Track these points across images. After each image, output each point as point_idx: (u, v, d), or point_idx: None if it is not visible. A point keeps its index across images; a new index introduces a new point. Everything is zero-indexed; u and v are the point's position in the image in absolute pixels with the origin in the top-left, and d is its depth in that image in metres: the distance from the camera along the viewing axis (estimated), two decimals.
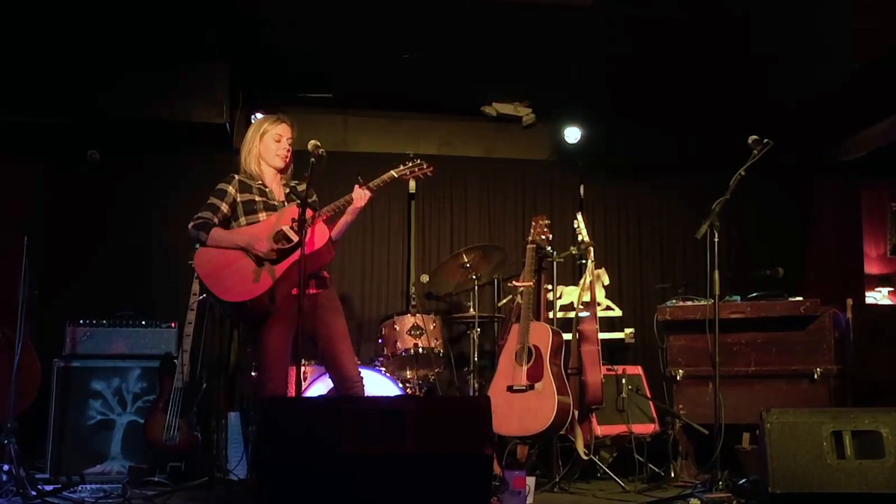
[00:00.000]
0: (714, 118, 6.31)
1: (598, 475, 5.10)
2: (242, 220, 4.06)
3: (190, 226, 4.06)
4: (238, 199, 4.07)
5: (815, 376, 5.02)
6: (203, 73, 5.69)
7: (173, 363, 5.15)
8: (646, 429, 5.35)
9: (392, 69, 5.93)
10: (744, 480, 4.36)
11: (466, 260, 5.57)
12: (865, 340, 5.43)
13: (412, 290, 6.29)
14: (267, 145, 4.15)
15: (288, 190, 4.16)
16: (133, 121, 5.76)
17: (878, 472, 3.70)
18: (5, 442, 4.30)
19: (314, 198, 4.17)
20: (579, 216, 5.45)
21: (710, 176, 5.12)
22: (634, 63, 5.76)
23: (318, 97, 6.33)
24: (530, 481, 4.24)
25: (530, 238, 5.14)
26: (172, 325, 5.48)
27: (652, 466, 5.06)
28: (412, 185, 6.58)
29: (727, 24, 5.17)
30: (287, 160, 4.18)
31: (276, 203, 4.09)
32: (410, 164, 4.19)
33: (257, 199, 4.08)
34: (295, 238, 3.90)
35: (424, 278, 5.96)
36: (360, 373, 4.12)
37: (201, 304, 5.22)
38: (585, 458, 4.92)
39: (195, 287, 5.21)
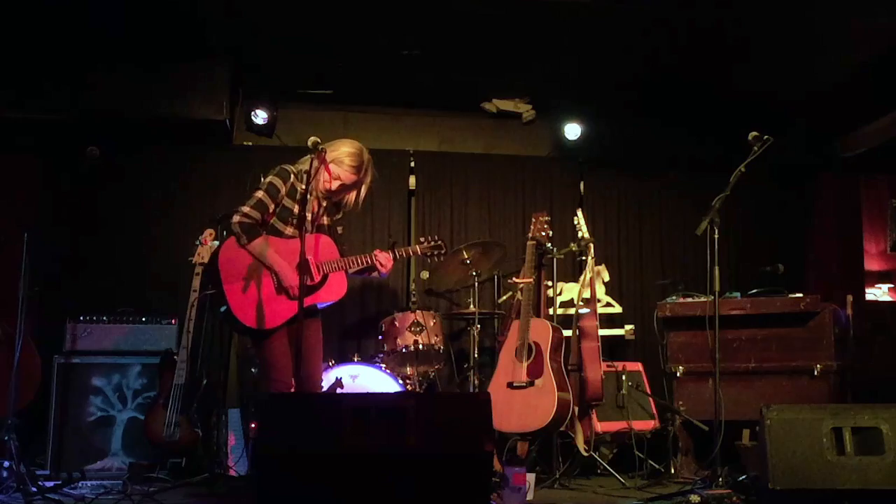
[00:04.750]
0: (714, 114, 6.31)
1: (598, 471, 5.10)
2: (274, 218, 4.11)
3: (236, 219, 4.03)
4: (283, 203, 4.11)
5: (816, 372, 5.02)
6: (203, 70, 5.70)
7: (173, 359, 5.15)
8: (646, 425, 5.35)
9: (392, 65, 5.92)
10: (744, 477, 4.36)
11: (467, 256, 5.56)
12: (865, 337, 5.45)
13: (412, 286, 6.29)
14: (334, 170, 4.12)
15: (322, 211, 4.22)
16: (133, 117, 5.76)
17: (878, 468, 3.69)
18: (6, 438, 4.30)
19: (338, 222, 4.35)
20: (579, 213, 5.45)
21: (710, 172, 5.11)
22: (634, 60, 5.75)
23: (318, 94, 6.32)
24: (530, 478, 4.24)
25: (530, 234, 5.14)
26: (173, 321, 5.49)
27: (652, 463, 5.07)
28: (412, 181, 6.58)
29: (727, 22, 5.16)
30: (331, 193, 4.19)
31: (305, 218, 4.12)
32: (431, 245, 4.48)
33: (295, 210, 4.11)
34: (317, 277, 4.07)
35: (424, 275, 5.96)
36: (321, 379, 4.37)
37: (202, 300, 5.21)
38: (585, 454, 4.92)
39: (195, 284, 5.20)
